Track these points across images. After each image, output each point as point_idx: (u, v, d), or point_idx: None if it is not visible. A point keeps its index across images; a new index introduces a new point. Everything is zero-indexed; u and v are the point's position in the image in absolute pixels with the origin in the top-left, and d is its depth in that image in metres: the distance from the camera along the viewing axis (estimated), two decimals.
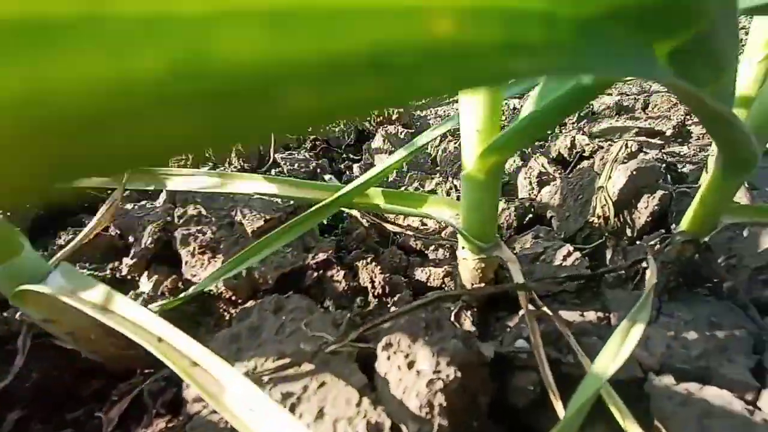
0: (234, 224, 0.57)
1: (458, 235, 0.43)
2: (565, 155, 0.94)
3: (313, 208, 0.43)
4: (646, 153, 0.66)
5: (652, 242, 0.49)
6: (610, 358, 0.31)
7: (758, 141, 0.37)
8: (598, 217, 0.57)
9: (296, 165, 0.88)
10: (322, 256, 0.55)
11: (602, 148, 0.82)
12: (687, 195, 0.66)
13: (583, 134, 0.99)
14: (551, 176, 0.80)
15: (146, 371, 0.45)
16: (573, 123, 1.07)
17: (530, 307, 0.48)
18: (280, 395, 0.34)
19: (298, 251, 0.55)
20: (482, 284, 0.45)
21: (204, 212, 0.58)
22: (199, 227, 0.56)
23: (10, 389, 0.40)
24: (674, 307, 0.49)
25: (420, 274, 0.57)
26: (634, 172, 0.55)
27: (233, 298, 0.51)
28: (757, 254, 0.49)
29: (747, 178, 0.38)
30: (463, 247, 0.43)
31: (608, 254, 0.55)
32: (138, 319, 0.33)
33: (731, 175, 0.39)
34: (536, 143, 1.03)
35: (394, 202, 0.45)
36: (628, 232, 0.58)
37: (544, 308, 0.48)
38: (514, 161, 0.91)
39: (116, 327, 0.32)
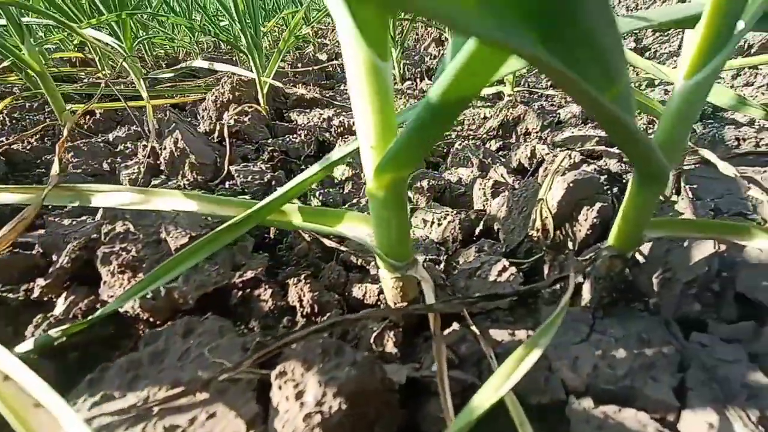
0: (161, 242, 0.55)
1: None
2: (526, 165, 0.93)
3: (223, 226, 0.42)
4: (589, 164, 0.65)
5: (588, 257, 0.48)
6: (497, 385, 0.29)
7: (668, 155, 0.35)
8: (538, 231, 0.55)
9: (250, 177, 0.86)
10: (250, 274, 0.53)
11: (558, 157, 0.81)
12: None
13: (544, 143, 0.98)
14: (509, 186, 0.79)
15: None
16: (536, 132, 1.07)
17: (456, 326, 0.46)
18: (162, 429, 0.32)
19: (225, 269, 0.53)
20: (404, 303, 0.44)
21: (132, 229, 0.56)
22: (124, 245, 0.53)
23: None
24: (608, 323, 0.47)
25: (357, 291, 0.55)
26: (572, 184, 0.54)
27: (151, 319, 0.48)
28: (689, 268, 0.48)
29: (660, 191, 0.37)
30: (379, 267, 0.42)
31: (546, 269, 0.53)
32: None
33: (646, 189, 0.37)
34: (498, 152, 1.02)
35: (310, 220, 0.43)
36: (570, 245, 0.57)
37: (473, 327, 0.47)
38: (473, 171, 0.90)
39: None
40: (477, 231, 0.69)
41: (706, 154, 0.66)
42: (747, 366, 0.39)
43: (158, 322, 0.49)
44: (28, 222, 0.47)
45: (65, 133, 0.87)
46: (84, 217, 0.67)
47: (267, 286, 0.52)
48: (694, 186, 0.68)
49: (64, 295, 0.51)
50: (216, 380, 0.35)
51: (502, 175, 0.84)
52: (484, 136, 1.14)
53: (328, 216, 0.42)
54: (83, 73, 1.99)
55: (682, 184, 0.66)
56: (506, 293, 0.47)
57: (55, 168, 0.65)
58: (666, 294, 0.49)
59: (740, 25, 0.30)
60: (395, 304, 0.44)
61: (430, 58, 2.44)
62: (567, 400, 0.40)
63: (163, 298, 0.48)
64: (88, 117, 1.28)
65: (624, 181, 0.66)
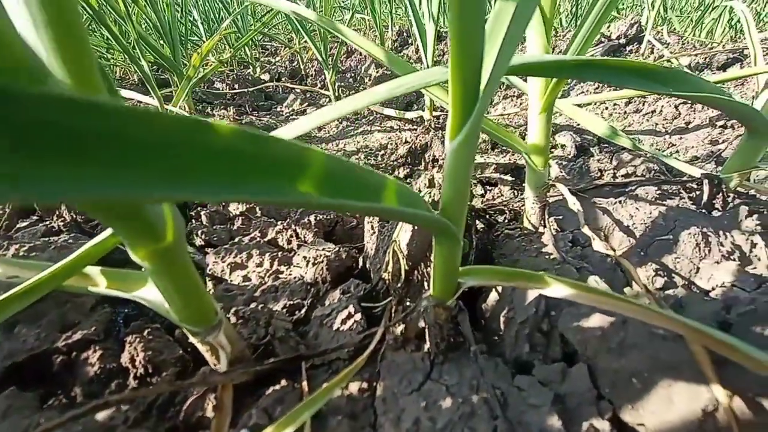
0: None
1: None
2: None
3: (11, 293, 0.38)
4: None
5: (417, 305, 0.48)
6: None
7: (453, 212, 0.36)
8: (388, 273, 0.55)
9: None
10: (79, 335, 0.49)
11: None
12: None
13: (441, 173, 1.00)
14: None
15: None
16: (442, 159, 1.09)
17: (283, 382, 0.45)
18: None
19: (50, 331, 0.49)
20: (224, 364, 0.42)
21: None
22: None
23: None
24: (446, 369, 0.47)
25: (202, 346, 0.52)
26: (416, 226, 0.54)
27: None
28: (523, 308, 0.49)
29: (454, 245, 0.38)
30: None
31: (392, 314, 0.53)
32: None
33: (443, 244, 0.38)
34: (406, 180, 1.03)
35: (113, 285, 0.40)
36: (425, 287, 0.57)
37: (304, 383, 0.45)
38: None
39: None
40: (356, 270, 0.68)
41: (561, 188, 0.69)
42: (548, 410, 0.39)
43: None
44: None
45: None
46: None
47: (98, 347, 0.49)
48: (559, 217, 0.71)
49: None
50: None
51: None
52: (394, 163, 1.15)
53: (130, 280, 0.40)
54: None
55: (546, 217, 0.68)
56: (341, 345, 0.46)
57: None
58: (506, 335, 0.50)
59: (482, 85, 0.31)
60: (215, 365, 0.42)
61: (369, 80, 2.48)
62: None
63: None
64: None
65: (488, 216, 0.68)
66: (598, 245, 0.57)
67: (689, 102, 1.34)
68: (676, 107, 1.36)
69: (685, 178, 0.82)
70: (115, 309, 0.55)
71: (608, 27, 2.05)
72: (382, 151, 1.42)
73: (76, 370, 0.48)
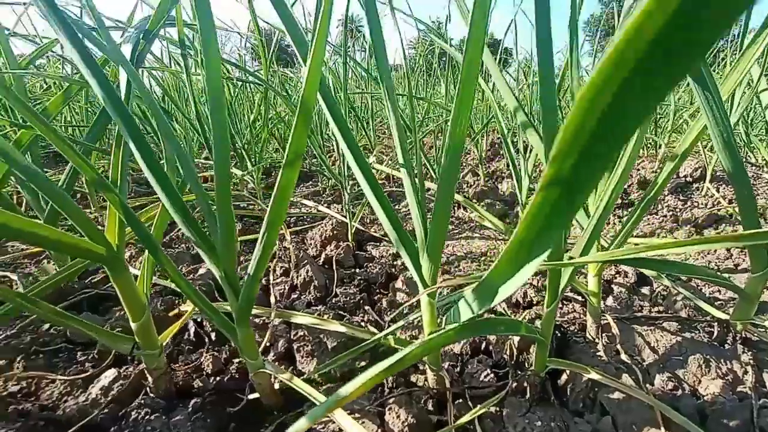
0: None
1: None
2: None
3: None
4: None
5: (524, 373, 0.98)
6: None
7: (545, 333, 0.88)
8: (507, 355, 1.06)
9: (348, 297, 1.45)
10: None
11: None
12: None
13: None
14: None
15: None
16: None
17: (459, 400, 0.97)
18: None
19: None
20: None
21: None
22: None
23: None
24: (538, 409, 0.95)
25: None
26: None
27: None
28: (579, 384, 0.96)
29: (544, 347, 0.89)
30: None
31: (510, 377, 1.03)
32: None
33: (539, 344, 0.90)
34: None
35: None
36: (526, 365, 1.07)
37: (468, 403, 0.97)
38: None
39: None
40: (481, 347, 1.20)
41: (609, 318, 1.16)
42: None
43: None
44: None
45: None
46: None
47: None
48: (609, 334, 1.17)
49: None
50: None
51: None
52: None
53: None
54: None
55: (600, 333, 1.15)
56: (485, 385, 0.97)
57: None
58: (570, 396, 0.97)
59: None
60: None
61: (468, 186, 3.11)
62: None
63: None
64: None
65: (562, 327, 1.17)
66: (626, 357, 1.02)
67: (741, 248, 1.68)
68: (728, 249, 1.71)
69: (707, 318, 1.22)
70: None
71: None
72: (483, 258, 1.97)
73: None
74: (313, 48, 0.56)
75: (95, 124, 1.22)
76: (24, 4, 2.14)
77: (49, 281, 0.92)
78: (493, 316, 1.07)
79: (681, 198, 2.24)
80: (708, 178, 2.15)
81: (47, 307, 0.82)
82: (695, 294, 1.31)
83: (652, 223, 2.05)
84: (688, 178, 2.33)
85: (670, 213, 2.12)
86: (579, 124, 0.21)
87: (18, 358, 1.04)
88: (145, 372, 0.98)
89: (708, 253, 1.74)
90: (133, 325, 0.88)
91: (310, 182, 3.27)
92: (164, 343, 0.95)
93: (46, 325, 1.20)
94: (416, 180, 0.77)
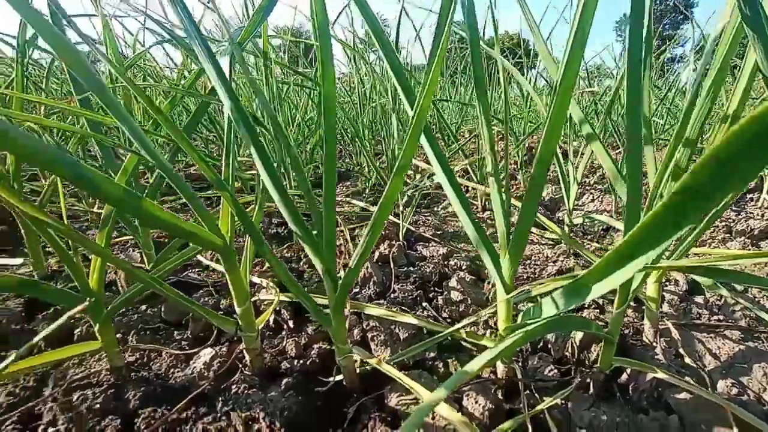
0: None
1: None
2: None
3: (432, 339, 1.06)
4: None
5: (590, 370, 1.04)
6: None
7: (613, 332, 0.94)
8: (569, 352, 1.12)
9: (405, 293, 1.54)
10: None
11: None
12: None
13: None
14: None
15: None
16: None
17: (521, 386, 1.04)
18: None
19: None
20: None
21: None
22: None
23: None
24: (602, 405, 1.00)
25: None
26: (584, 333, 1.11)
27: None
28: (644, 382, 1.01)
29: (611, 345, 0.95)
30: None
31: (572, 372, 1.09)
32: None
33: (606, 342, 0.95)
34: None
35: None
36: (588, 361, 1.12)
37: (528, 392, 1.04)
38: None
39: None
40: (539, 346, 1.26)
41: (668, 324, 1.19)
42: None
43: None
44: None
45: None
46: None
47: None
48: (668, 338, 1.20)
49: None
50: None
51: None
52: (547, 278, 1.73)
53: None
54: None
55: (658, 338, 1.19)
56: (550, 379, 1.04)
57: None
58: (633, 394, 1.02)
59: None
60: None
61: None
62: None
63: None
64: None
65: (622, 331, 1.21)
66: (689, 360, 1.06)
67: None
68: None
69: (764, 328, 1.23)
70: None
71: None
72: (528, 261, 2.01)
73: None
74: (423, 96, 0.65)
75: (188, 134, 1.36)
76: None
77: (169, 264, 1.05)
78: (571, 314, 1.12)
79: (734, 208, 2.21)
80: (765, 189, 2.11)
81: (171, 290, 0.94)
82: (753, 305, 1.32)
83: (704, 233, 2.03)
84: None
85: (723, 224, 2.09)
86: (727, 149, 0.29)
87: (131, 333, 1.18)
88: (235, 352, 1.10)
89: (765, 265, 1.72)
90: (237, 309, 1.00)
91: (348, 182, 3.39)
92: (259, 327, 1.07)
93: (143, 306, 1.35)
94: (503, 186, 0.85)
